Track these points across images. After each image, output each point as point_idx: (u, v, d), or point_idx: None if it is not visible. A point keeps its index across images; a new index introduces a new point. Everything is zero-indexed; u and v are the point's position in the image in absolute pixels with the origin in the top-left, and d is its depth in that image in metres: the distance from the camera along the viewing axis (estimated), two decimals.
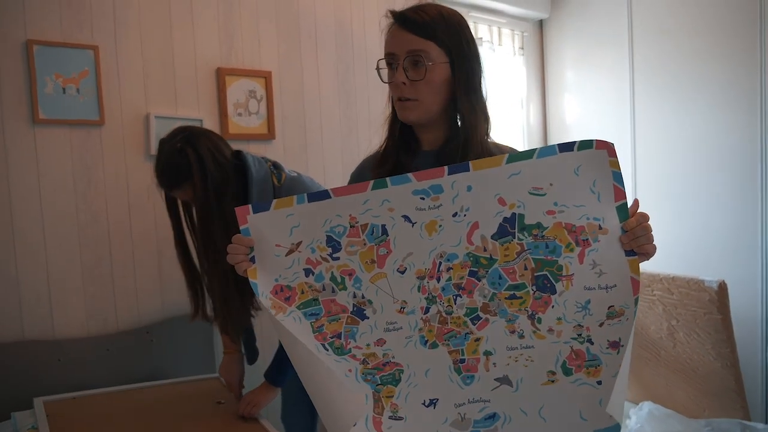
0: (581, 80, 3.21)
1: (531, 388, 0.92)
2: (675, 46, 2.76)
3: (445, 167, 0.91)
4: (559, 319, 0.91)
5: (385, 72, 1.06)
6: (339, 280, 0.93)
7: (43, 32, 1.77)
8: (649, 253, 0.90)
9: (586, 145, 0.89)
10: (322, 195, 0.92)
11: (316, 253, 0.93)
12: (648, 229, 0.88)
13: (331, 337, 0.93)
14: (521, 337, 0.92)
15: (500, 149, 1.07)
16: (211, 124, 2.08)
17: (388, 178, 0.92)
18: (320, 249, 0.93)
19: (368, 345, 0.93)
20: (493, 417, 0.92)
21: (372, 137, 2.54)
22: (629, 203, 0.91)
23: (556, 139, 3.34)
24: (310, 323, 0.93)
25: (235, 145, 2.14)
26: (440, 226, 0.92)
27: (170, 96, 2.01)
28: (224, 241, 1.43)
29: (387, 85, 1.07)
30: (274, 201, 0.93)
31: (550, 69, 3.37)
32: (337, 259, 0.93)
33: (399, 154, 1.08)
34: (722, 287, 2.16)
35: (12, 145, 1.73)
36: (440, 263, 0.93)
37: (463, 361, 0.93)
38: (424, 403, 0.93)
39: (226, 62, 2.12)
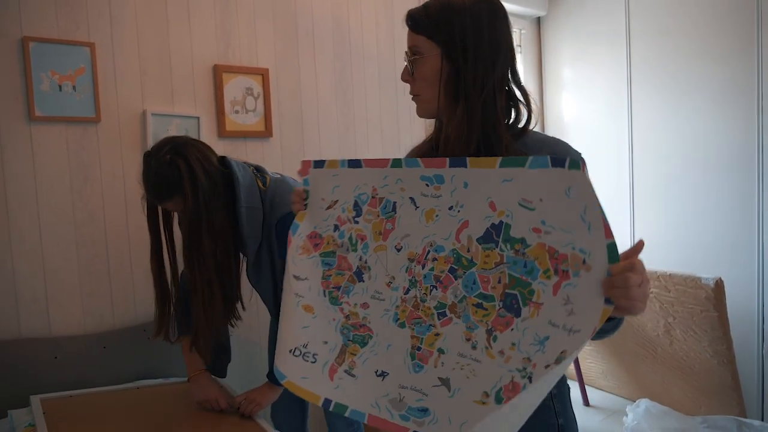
0: (579, 78, 3.21)
1: (463, 400, 0.90)
2: (672, 44, 2.76)
3: (447, 159, 0.93)
4: (513, 344, 0.86)
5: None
6: (354, 241, 1.05)
7: (39, 29, 1.76)
8: (626, 309, 0.74)
9: (575, 164, 0.78)
10: (356, 163, 1.04)
11: (345, 214, 1.06)
12: (628, 282, 0.72)
13: (332, 288, 1.07)
14: (474, 348, 0.89)
15: (529, 146, 0.98)
16: (207, 121, 2.08)
17: (403, 159, 0.99)
18: (348, 210, 1.05)
19: (355, 305, 1.04)
20: (425, 411, 0.93)
21: (369, 134, 2.55)
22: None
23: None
24: (323, 270, 1.08)
25: (233, 143, 2.15)
26: (437, 215, 0.95)
27: (167, 93, 2.01)
28: (212, 250, 1.45)
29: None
30: (327, 160, 1.08)
31: (548, 67, 3.37)
32: (357, 223, 1.04)
33: (429, 148, 1.07)
34: (719, 285, 2.17)
35: (8, 142, 1.73)
36: (428, 251, 0.95)
37: (419, 349, 0.95)
38: (376, 372, 0.98)
39: (223, 59, 2.12)
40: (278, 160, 2.26)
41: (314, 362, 1.05)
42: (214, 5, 2.10)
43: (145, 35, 1.96)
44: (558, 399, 1.00)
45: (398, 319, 0.98)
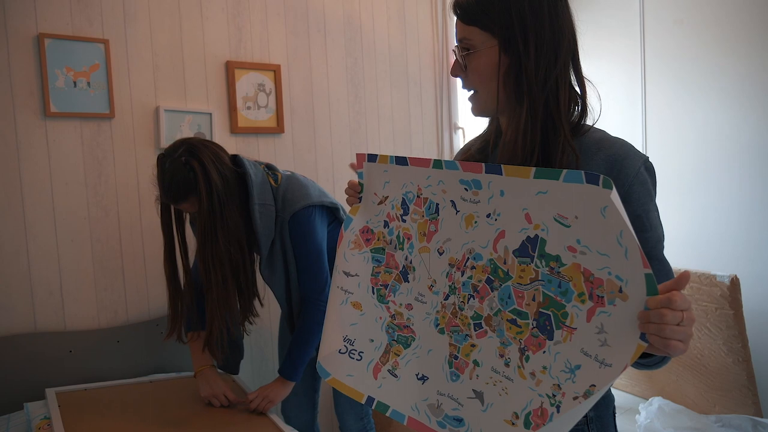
0: (591, 74, 3.16)
1: (495, 417, 0.89)
2: (688, 35, 2.72)
3: (483, 164, 0.89)
4: (544, 367, 0.83)
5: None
6: (401, 240, 1.04)
7: (54, 26, 1.78)
8: (662, 349, 0.66)
9: (608, 184, 0.73)
10: (402, 161, 1.03)
11: (394, 210, 1.05)
12: (664, 319, 0.64)
13: (380, 285, 1.06)
14: (507, 365, 0.88)
15: (594, 144, 0.89)
16: (220, 117, 2.09)
17: (444, 160, 0.95)
18: (396, 208, 1.05)
19: (401, 304, 1.02)
20: (460, 421, 0.93)
21: (381, 131, 2.55)
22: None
23: None
24: (372, 266, 1.07)
25: (245, 139, 2.16)
26: (476, 222, 0.92)
27: (179, 89, 2.02)
28: (226, 248, 1.46)
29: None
30: (379, 155, 1.07)
31: None
32: (404, 221, 1.03)
33: (484, 146, 1.01)
34: (734, 282, 2.15)
35: (24, 138, 1.75)
36: (468, 258, 0.93)
37: (456, 357, 0.94)
38: (417, 375, 0.98)
39: (235, 55, 2.12)
40: (290, 156, 2.27)
41: (360, 360, 1.05)
42: (226, 1, 2.11)
43: (158, 32, 1.97)
44: (595, 423, 0.95)
45: (438, 324, 0.97)
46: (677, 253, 2.69)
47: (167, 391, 1.71)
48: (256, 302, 1.67)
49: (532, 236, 0.85)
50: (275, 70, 2.20)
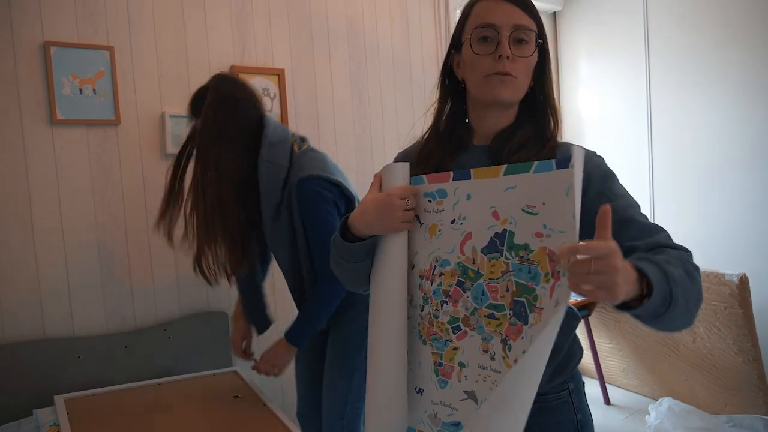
0: (596, 73, 3.17)
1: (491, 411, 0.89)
2: (693, 34, 2.71)
3: (451, 173, 0.92)
4: (524, 352, 0.84)
5: (477, 43, 0.94)
6: None
7: (59, 34, 1.79)
8: (588, 296, 0.68)
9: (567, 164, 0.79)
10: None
11: None
12: (572, 268, 0.68)
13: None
14: (492, 359, 0.89)
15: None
16: None
17: (411, 178, 0.96)
18: None
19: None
20: (457, 425, 0.93)
21: (385, 135, 2.55)
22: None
23: (571, 133, 3.31)
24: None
25: None
26: (440, 230, 0.94)
27: (184, 95, 2.02)
28: (218, 181, 1.50)
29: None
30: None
31: (564, 62, 3.34)
32: None
33: (443, 153, 0.99)
34: (743, 281, 2.13)
35: (31, 145, 1.76)
36: (435, 267, 0.95)
37: (441, 365, 0.95)
38: (415, 389, 0.98)
39: (239, 61, 2.13)
40: None
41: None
42: (230, 7, 2.12)
43: (163, 38, 1.98)
44: (575, 394, 1.00)
45: (421, 335, 0.98)
46: None
47: (176, 395, 1.71)
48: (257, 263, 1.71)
49: (500, 231, 0.87)
50: (279, 75, 2.21)
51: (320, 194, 1.54)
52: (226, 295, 2.11)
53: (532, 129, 0.96)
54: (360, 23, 2.46)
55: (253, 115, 1.58)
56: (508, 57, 0.90)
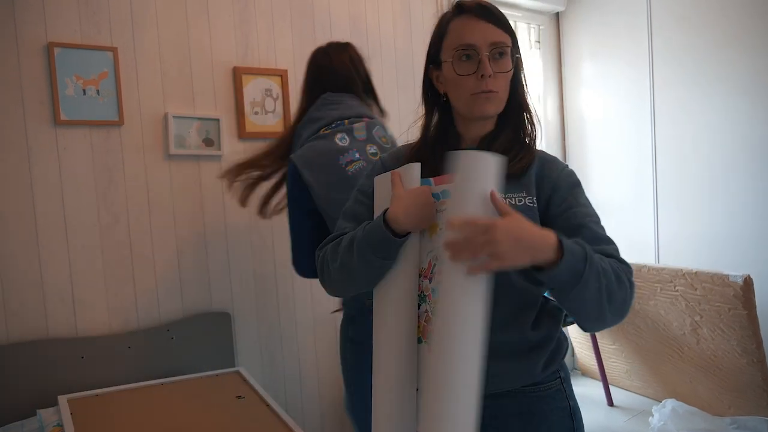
0: (599, 73, 3.16)
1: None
2: (696, 34, 2.70)
3: (455, 174, 0.93)
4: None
5: (459, 64, 0.99)
6: None
7: (63, 35, 1.79)
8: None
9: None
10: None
11: None
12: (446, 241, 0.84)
13: None
14: None
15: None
16: (228, 122, 2.10)
17: (422, 179, 0.99)
18: None
19: None
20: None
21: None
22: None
23: (574, 134, 3.30)
24: None
25: (253, 144, 2.16)
26: (440, 229, 0.95)
27: (188, 95, 2.03)
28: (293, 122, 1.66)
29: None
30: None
31: (567, 63, 3.33)
32: None
33: (435, 158, 1.04)
34: (747, 282, 2.13)
35: (34, 146, 1.76)
36: (434, 265, 0.95)
37: None
38: (417, 389, 0.96)
39: (242, 61, 2.13)
40: None
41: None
42: (232, 7, 2.12)
43: (166, 39, 1.98)
44: (566, 382, 1.04)
45: (419, 336, 0.97)
46: (689, 254, 2.66)
47: (179, 394, 1.71)
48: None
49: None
50: (282, 75, 2.21)
51: (289, 180, 1.57)
52: (228, 295, 2.11)
53: (512, 133, 1.04)
54: (363, 21, 2.46)
55: (316, 88, 1.65)
56: (490, 75, 0.97)
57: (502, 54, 0.98)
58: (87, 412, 1.56)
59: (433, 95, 1.09)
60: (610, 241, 0.95)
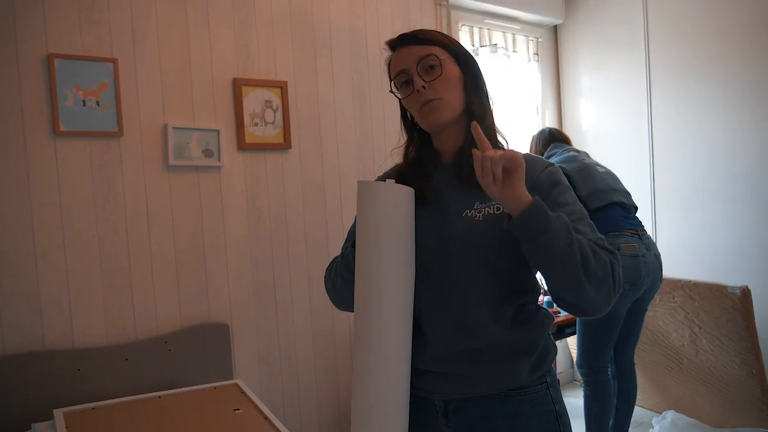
0: (597, 85, 3.18)
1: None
2: (692, 49, 2.73)
3: None
4: None
5: (401, 90, 1.09)
6: None
7: (63, 46, 1.80)
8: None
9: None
10: None
11: None
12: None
13: None
14: None
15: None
16: (228, 134, 2.10)
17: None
18: None
19: None
20: None
21: (387, 146, 2.55)
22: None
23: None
24: None
25: (253, 155, 2.16)
26: None
27: (188, 107, 2.03)
28: None
29: (400, 103, 1.15)
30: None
31: (565, 75, 3.35)
32: None
33: (419, 176, 1.09)
34: (746, 293, 2.13)
35: (33, 157, 1.76)
36: None
37: None
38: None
39: (242, 73, 2.14)
40: (297, 171, 2.28)
41: None
42: (233, 19, 2.13)
43: (166, 50, 1.99)
44: (553, 387, 1.06)
45: None
46: (687, 265, 2.67)
47: (175, 407, 1.70)
48: None
49: None
50: (282, 87, 2.22)
51: None
52: (227, 307, 2.10)
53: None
54: (362, 34, 2.47)
55: None
56: (423, 87, 1.03)
57: (432, 66, 1.03)
58: (83, 426, 1.55)
59: (407, 121, 1.16)
60: (598, 233, 0.98)
